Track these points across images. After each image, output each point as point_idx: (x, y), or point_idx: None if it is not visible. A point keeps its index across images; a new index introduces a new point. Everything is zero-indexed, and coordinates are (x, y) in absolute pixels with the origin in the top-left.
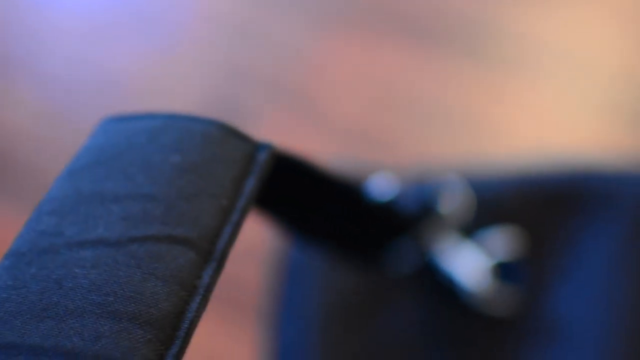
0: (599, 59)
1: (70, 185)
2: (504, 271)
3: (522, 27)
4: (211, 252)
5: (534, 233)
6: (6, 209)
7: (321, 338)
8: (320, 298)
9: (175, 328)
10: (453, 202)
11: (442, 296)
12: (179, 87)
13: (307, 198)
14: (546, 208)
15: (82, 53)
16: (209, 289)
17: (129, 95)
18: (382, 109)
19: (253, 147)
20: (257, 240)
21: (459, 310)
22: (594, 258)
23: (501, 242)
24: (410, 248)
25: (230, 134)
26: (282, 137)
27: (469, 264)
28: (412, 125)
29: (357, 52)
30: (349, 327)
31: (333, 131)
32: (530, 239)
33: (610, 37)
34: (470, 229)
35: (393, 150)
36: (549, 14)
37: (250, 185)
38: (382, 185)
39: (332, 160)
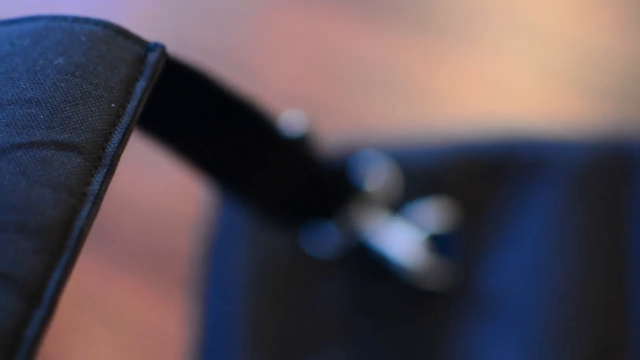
0: (552, 27)
1: None
2: (437, 244)
3: None
4: (100, 157)
5: (468, 204)
6: None
7: (248, 310)
8: (249, 269)
9: (65, 237)
10: (378, 179)
11: (375, 274)
12: None
13: (209, 118)
14: (480, 177)
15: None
16: (99, 195)
17: None
18: (322, 74)
19: (143, 47)
20: (189, 209)
21: (394, 286)
22: (530, 228)
23: (434, 214)
24: (337, 230)
25: (117, 34)
26: None
27: (400, 240)
28: (354, 92)
29: (298, 18)
30: (277, 300)
31: (271, 97)
32: (464, 210)
33: (563, 4)
34: (401, 202)
35: (333, 116)
36: None
37: (141, 87)
38: (295, 122)
39: None
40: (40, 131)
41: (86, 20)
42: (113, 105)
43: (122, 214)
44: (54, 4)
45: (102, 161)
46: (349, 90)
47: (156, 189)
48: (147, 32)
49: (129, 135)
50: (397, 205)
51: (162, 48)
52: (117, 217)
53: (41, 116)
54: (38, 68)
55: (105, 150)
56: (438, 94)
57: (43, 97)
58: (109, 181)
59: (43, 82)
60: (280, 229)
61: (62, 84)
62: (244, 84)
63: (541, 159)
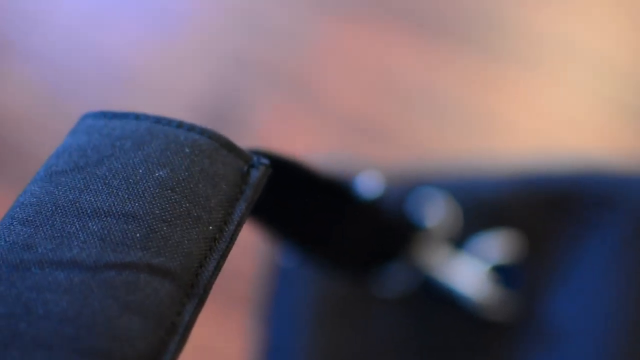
0: (610, 55)
1: (47, 191)
2: (501, 275)
3: (529, 19)
4: (193, 286)
5: (532, 236)
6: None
7: (310, 338)
8: (313, 297)
9: None
10: (438, 215)
11: (439, 308)
12: (178, 76)
13: (298, 203)
14: (545, 210)
15: (80, 36)
16: (188, 327)
17: (127, 82)
18: (381, 98)
19: (246, 163)
20: (252, 232)
21: (458, 319)
22: (593, 261)
23: (498, 245)
24: (402, 270)
25: (221, 147)
26: (280, 127)
27: (464, 273)
28: (417, 118)
29: (358, 40)
30: (339, 329)
31: (332, 121)
32: (528, 242)
33: (622, 32)
34: (464, 235)
35: (391, 142)
36: (558, 5)
37: (241, 209)
38: (370, 183)
39: (329, 154)
40: (136, 252)
41: (191, 128)
42: (211, 228)
43: None
44: (118, 20)
45: (194, 290)
46: (413, 117)
47: None
48: (209, 50)
49: (224, 261)
50: (460, 239)
51: (266, 166)
52: None
53: (137, 235)
54: (138, 178)
55: (199, 277)
56: (503, 123)
57: (141, 212)
58: (200, 311)
59: (142, 195)
60: (349, 280)
61: (161, 201)
62: (306, 108)
63: (606, 193)
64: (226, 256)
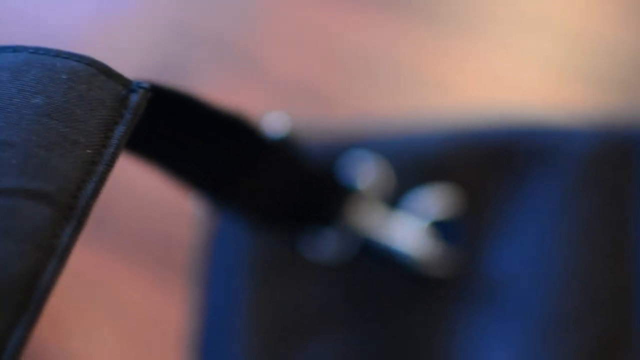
0: (557, 19)
1: None
2: (441, 231)
3: None
4: (72, 208)
5: (471, 190)
6: None
7: (247, 299)
8: (250, 259)
9: (28, 294)
10: (372, 174)
11: (378, 267)
12: (124, 49)
13: (194, 139)
14: (483, 165)
15: (17, 8)
16: (67, 249)
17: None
18: (324, 64)
19: (126, 87)
20: (188, 199)
21: (396, 276)
22: (534, 216)
23: (437, 201)
24: (339, 232)
25: (100, 72)
26: (226, 95)
27: (402, 231)
28: (356, 81)
29: (301, 8)
30: (276, 290)
31: (274, 86)
32: (467, 197)
33: None
34: (401, 192)
35: (335, 104)
36: None
37: (120, 132)
38: (276, 124)
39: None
40: (12, 178)
41: (69, 56)
42: (89, 151)
43: (122, 202)
44: None
45: (73, 212)
46: (352, 79)
47: (158, 177)
48: (154, 22)
49: (103, 184)
50: (397, 197)
51: (145, 90)
52: (117, 204)
53: (14, 161)
54: (14, 107)
55: (78, 200)
56: (441, 84)
57: (17, 139)
58: (79, 234)
59: (18, 123)
60: (278, 237)
61: (38, 127)
62: (245, 73)
63: (545, 146)
64: (105, 179)
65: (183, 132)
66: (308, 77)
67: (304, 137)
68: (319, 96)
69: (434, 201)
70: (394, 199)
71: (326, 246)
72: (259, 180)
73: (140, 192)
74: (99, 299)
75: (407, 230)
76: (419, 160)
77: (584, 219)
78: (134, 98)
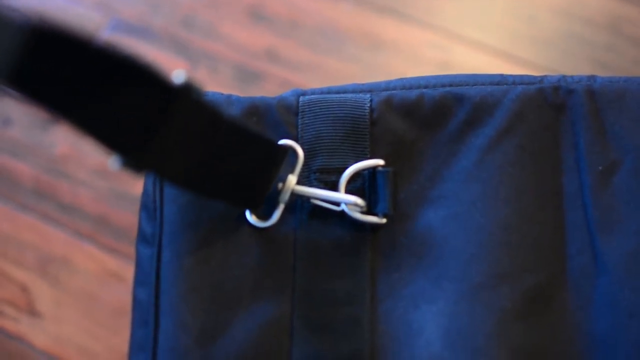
0: None
1: None
2: (370, 188)
3: None
4: None
5: (401, 148)
6: None
7: (183, 264)
8: (186, 223)
9: None
10: (294, 136)
11: (311, 226)
12: None
13: (87, 85)
14: (414, 123)
15: None
16: None
17: None
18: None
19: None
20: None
21: (329, 232)
22: (462, 167)
23: (366, 158)
24: (274, 196)
25: None
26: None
27: (333, 191)
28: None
29: None
30: (215, 255)
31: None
32: (397, 155)
33: None
34: (331, 150)
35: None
36: None
37: None
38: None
39: None
40: None
41: None
42: None
43: (83, 183)
44: None
45: None
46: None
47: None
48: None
49: None
50: (326, 154)
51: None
52: (77, 185)
53: None
54: None
55: None
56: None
57: None
58: None
59: None
60: (211, 201)
61: None
62: (184, 56)
63: (475, 104)
64: None
65: (76, 76)
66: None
67: (226, 99)
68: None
69: (359, 157)
70: (324, 157)
71: (260, 209)
72: (177, 141)
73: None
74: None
75: (339, 188)
76: (347, 117)
77: (514, 174)
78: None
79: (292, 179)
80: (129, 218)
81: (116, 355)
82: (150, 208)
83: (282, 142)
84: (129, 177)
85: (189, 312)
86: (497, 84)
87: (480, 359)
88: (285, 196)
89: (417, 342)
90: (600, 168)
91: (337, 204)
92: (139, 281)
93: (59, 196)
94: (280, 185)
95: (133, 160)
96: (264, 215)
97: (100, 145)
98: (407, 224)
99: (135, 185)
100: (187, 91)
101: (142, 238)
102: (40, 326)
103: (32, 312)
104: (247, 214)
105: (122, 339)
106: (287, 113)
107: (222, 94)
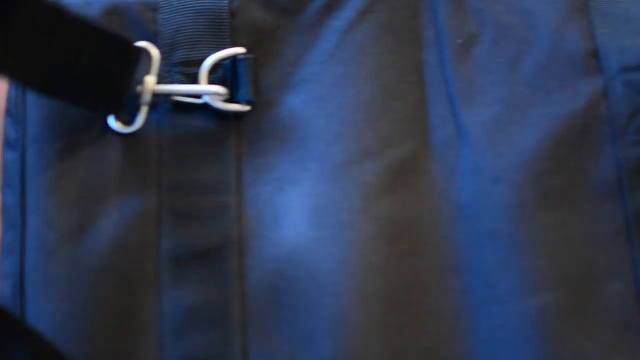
0: None
1: None
2: (229, 77)
3: None
4: None
5: (260, 36)
6: None
7: (40, 167)
8: (49, 128)
9: None
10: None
11: (176, 120)
12: None
13: None
14: (272, 9)
15: None
16: None
17: None
18: None
19: None
20: None
21: (193, 124)
22: (325, 58)
23: (227, 48)
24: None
25: None
26: None
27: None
28: None
29: None
30: (79, 160)
31: None
32: (257, 43)
33: None
34: (193, 47)
35: None
36: None
37: None
38: None
39: None
40: None
41: None
42: None
43: None
44: None
45: None
46: None
47: None
48: None
49: None
50: (185, 49)
51: None
52: None
53: None
54: None
55: None
56: None
57: None
58: None
59: None
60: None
61: None
62: None
63: None
64: None
65: None
66: None
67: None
68: None
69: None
70: (185, 50)
71: (123, 114)
72: (22, 41)
73: None
74: None
75: (199, 80)
76: (207, 9)
77: (375, 53)
78: None
79: (149, 79)
80: None
81: None
82: (13, 113)
83: (137, 44)
84: None
85: (56, 209)
86: None
87: (346, 234)
88: (146, 98)
89: (284, 224)
90: (460, 41)
91: (200, 96)
92: (5, 185)
93: None
94: (139, 88)
95: None
96: (128, 121)
97: None
98: (271, 110)
99: None
100: None
101: (7, 144)
102: None
103: None
104: (111, 120)
105: None
106: (147, 10)
107: None
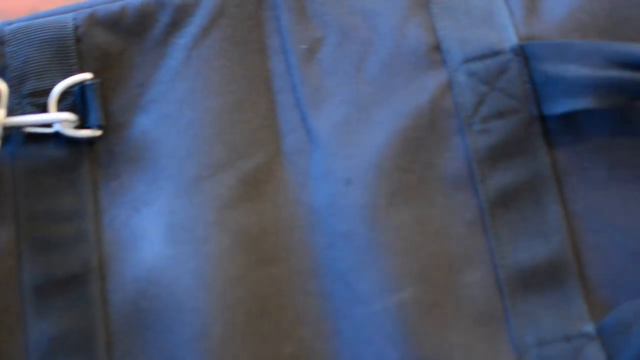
0: None
1: None
2: (78, 103)
3: None
4: None
5: (107, 60)
6: None
7: None
8: None
9: None
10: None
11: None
12: None
13: None
14: (118, 32)
15: None
16: None
17: None
18: None
19: None
20: None
21: (43, 152)
22: (167, 73)
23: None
24: None
25: None
26: None
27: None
28: None
29: None
30: None
31: None
32: (104, 67)
33: None
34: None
35: None
36: None
37: None
38: None
39: None
40: None
41: None
42: None
43: None
44: None
45: None
46: None
47: None
48: None
49: None
50: (33, 80)
51: None
52: None
53: None
54: None
55: None
56: None
57: None
58: None
59: None
60: None
61: None
62: None
63: (172, 3)
64: None
65: None
66: None
67: None
68: None
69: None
70: (33, 81)
71: None
72: None
73: None
74: None
75: (48, 108)
76: (52, 38)
77: (221, 66)
78: None
79: None
80: None
81: None
82: None
83: None
84: None
85: None
86: None
87: (203, 248)
88: None
89: (142, 245)
90: (304, 47)
91: (50, 125)
92: None
93: None
94: None
95: None
96: None
97: None
98: (122, 132)
99: None
100: None
101: None
102: None
103: None
104: None
105: None
106: None
107: None
